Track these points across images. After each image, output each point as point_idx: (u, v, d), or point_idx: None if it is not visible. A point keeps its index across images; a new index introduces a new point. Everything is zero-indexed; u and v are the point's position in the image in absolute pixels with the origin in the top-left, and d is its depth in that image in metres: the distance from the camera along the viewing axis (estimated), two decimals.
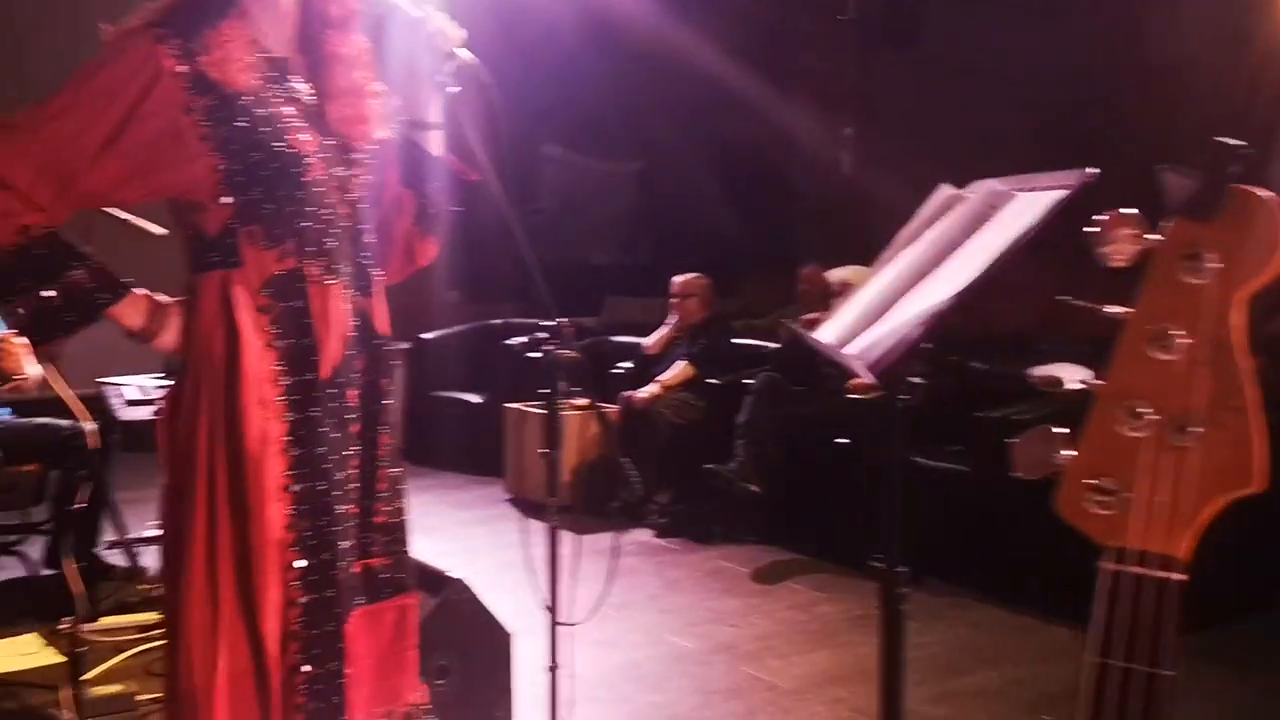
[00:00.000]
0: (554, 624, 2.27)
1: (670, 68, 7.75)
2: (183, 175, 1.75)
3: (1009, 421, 4.30)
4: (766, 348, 5.77)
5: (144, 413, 3.79)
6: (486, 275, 6.85)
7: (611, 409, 5.28)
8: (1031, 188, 1.76)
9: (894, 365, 1.70)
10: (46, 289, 1.70)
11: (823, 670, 3.56)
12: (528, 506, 5.60)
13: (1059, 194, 1.68)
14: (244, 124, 1.75)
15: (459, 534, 5.08)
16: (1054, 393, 1.08)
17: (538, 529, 5.15)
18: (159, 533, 4.35)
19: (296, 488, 1.78)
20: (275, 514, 1.76)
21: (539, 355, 6.46)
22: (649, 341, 5.84)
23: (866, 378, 1.73)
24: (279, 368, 1.79)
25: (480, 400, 6.44)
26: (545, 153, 9.09)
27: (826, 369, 5.23)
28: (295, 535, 1.78)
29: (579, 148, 8.89)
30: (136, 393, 4.00)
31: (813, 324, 5.21)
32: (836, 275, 5.26)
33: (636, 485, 3.25)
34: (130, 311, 1.79)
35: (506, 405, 5.87)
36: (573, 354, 2.16)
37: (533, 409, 5.71)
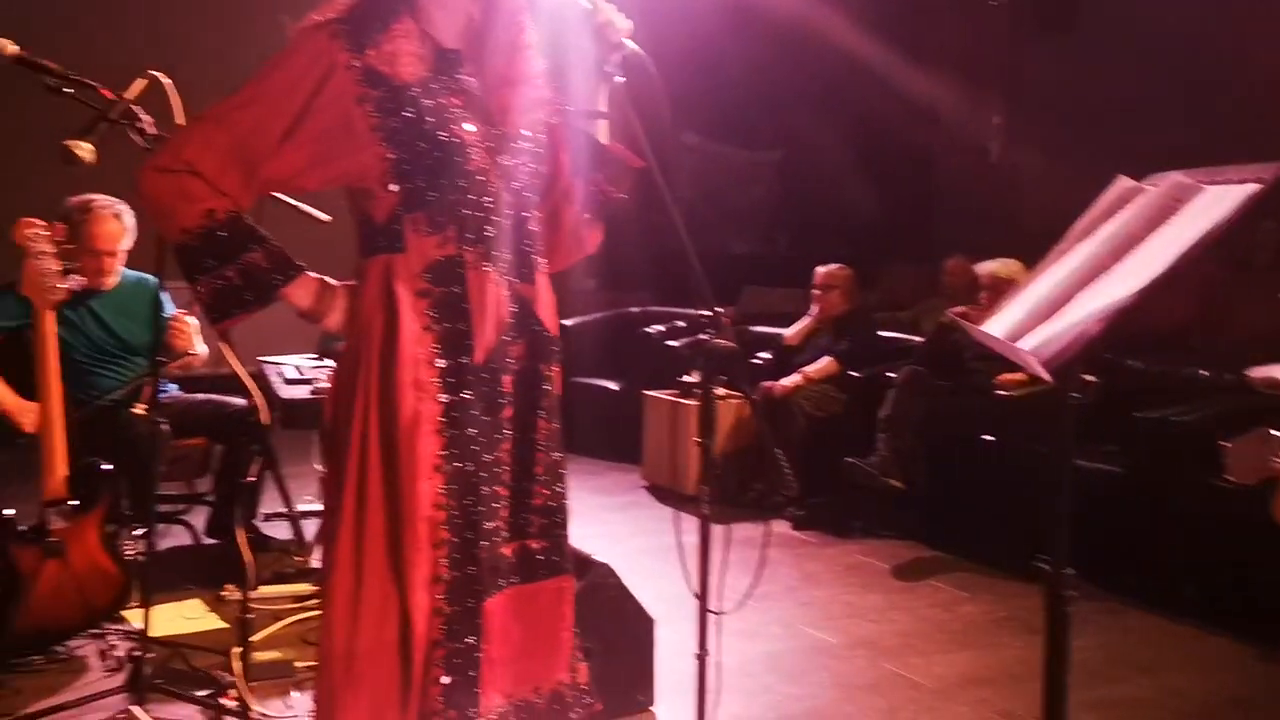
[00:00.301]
0: (704, 611, 2.27)
1: (813, 56, 7.67)
2: (354, 163, 1.82)
3: (1168, 422, 4.14)
4: (910, 340, 5.66)
5: (301, 391, 3.93)
6: (623, 263, 6.88)
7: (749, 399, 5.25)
8: (1220, 181, 1.68)
9: (1070, 362, 1.65)
10: (227, 269, 1.79)
11: (966, 671, 3.49)
12: (665, 494, 5.65)
13: (1251, 188, 1.61)
14: (411, 114, 1.80)
15: (598, 519, 5.14)
16: (1263, 393, 1.03)
17: (676, 518, 5.21)
18: (314, 507, 4.52)
19: (447, 467, 1.84)
20: (425, 491, 1.81)
21: (678, 344, 6.47)
22: (789, 332, 5.79)
23: (1041, 374, 1.68)
24: (435, 350, 1.84)
25: (617, 387, 6.49)
26: (684, 141, 9.10)
27: (973, 364, 5.11)
28: (444, 514, 1.83)
29: (719, 136, 8.86)
30: (294, 372, 4.15)
31: (962, 317, 5.12)
32: (986, 268, 5.13)
33: (790, 479, 3.23)
34: (302, 292, 1.87)
35: (645, 393, 5.90)
36: (730, 344, 2.15)
37: (671, 397, 5.73)
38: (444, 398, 1.84)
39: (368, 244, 1.87)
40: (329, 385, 1.94)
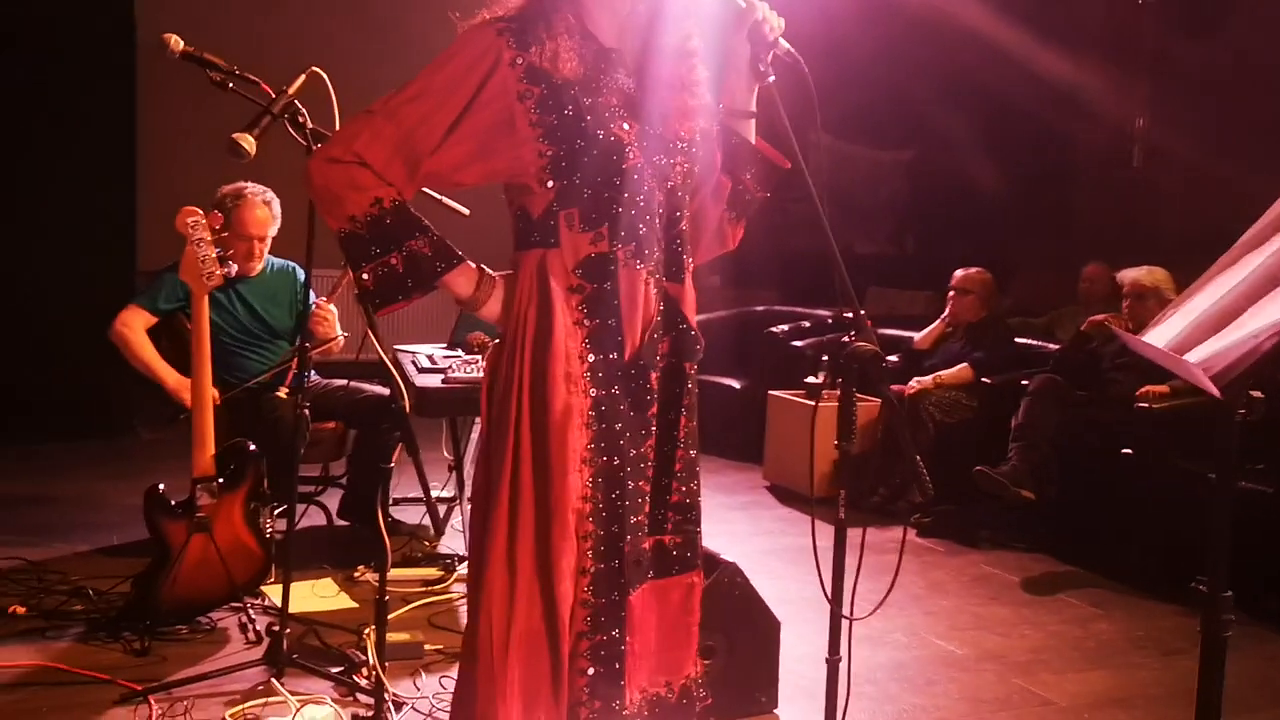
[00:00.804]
0: (837, 616, 2.25)
1: (946, 53, 7.51)
2: (513, 159, 1.85)
3: None
4: (1045, 348, 5.51)
5: (433, 380, 4.00)
6: (748, 261, 6.85)
7: (874, 402, 5.17)
8: None
9: (1240, 378, 1.58)
10: (391, 256, 1.84)
11: (1101, 690, 3.38)
12: (786, 494, 5.61)
13: None
14: (570, 112, 1.83)
15: (719, 517, 5.13)
16: None
17: (799, 518, 5.18)
18: (444, 494, 4.61)
19: (594, 461, 1.86)
20: (574, 484, 1.84)
21: (803, 344, 6.41)
22: (919, 336, 5.69)
23: (1209, 389, 1.62)
24: (585, 345, 1.87)
25: (740, 386, 6.47)
26: (811, 140, 9.01)
27: (1111, 374, 4.96)
28: (590, 506, 1.86)
29: (848, 135, 8.75)
30: (426, 361, 4.24)
31: (1100, 325, 4.96)
32: (1129, 276, 4.96)
33: (927, 484, 3.12)
34: (461, 280, 1.90)
35: (770, 393, 5.87)
36: (872, 347, 2.12)
37: (796, 397, 5.69)
38: (593, 392, 1.87)
39: (523, 238, 1.91)
40: (483, 375, 1.97)
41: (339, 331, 4.06)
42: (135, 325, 3.98)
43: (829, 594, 2.28)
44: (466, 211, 3.27)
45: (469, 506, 4.54)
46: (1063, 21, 7.61)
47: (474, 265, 1.92)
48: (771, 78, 1.99)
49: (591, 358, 1.87)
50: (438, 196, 3.32)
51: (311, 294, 3.81)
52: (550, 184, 1.85)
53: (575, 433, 1.84)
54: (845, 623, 2.31)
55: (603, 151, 1.85)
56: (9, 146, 5.91)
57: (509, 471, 1.84)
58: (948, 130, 7.78)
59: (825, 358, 5.79)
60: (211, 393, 3.92)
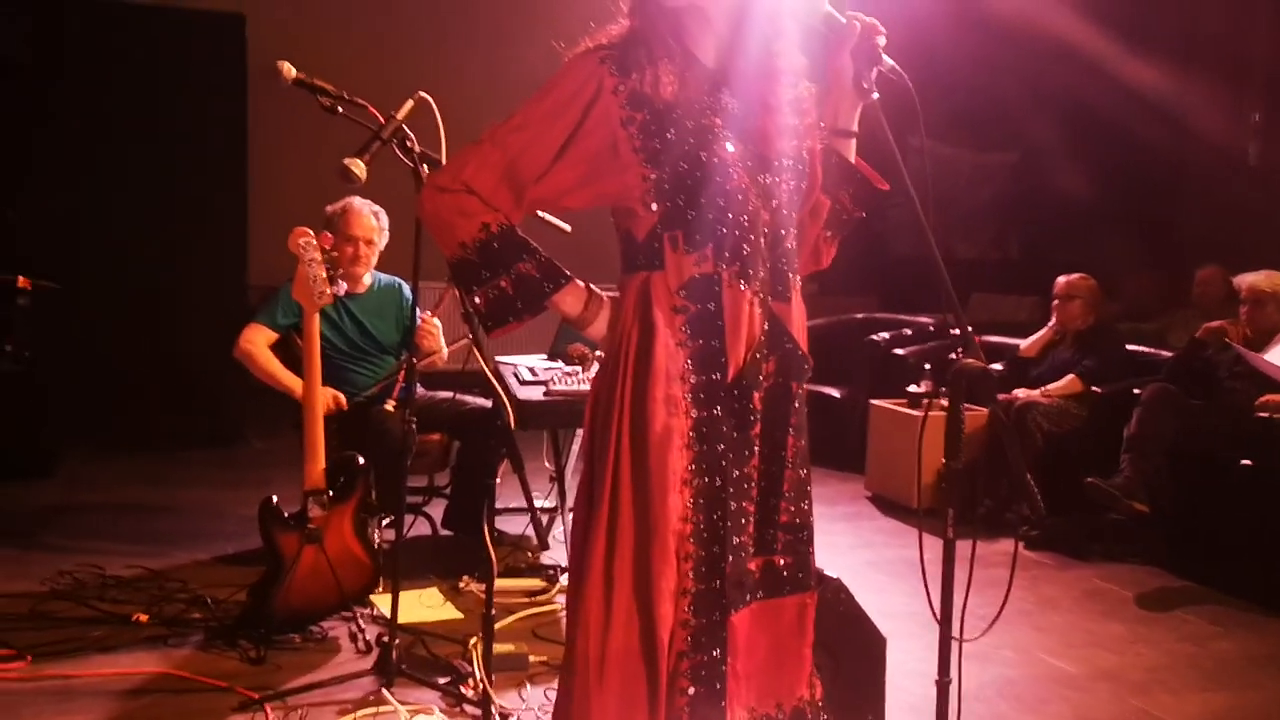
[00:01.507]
0: (946, 637, 2.21)
1: (1049, 51, 7.34)
2: (618, 183, 1.87)
3: None
4: (1157, 355, 5.35)
5: (535, 392, 4.05)
6: (847, 268, 6.79)
7: (981, 410, 5.08)
8: None
9: None
10: (500, 279, 1.87)
11: (1220, 712, 3.27)
12: (889, 505, 5.54)
13: None
14: (672, 136, 1.84)
15: (820, 528, 4.94)
16: None
17: (903, 530, 5.12)
18: (546, 504, 4.66)
19: (695, 482, 1.86)
20: (674, 505, 1.84)
21: (904, 352, 6.31)
22: (1025, 344, 5.58)
23: None
24: (687, 366, 1.87)
25: (840, 395, 6.41)
26: (910, 144, 8.90)
27: (1228, 382, 4.79)
28: (691, 527, 1.86)
29: (949, 138, 8.62)
30: (528, 373, 4.29)
31: (1216, 332, 4.81)
32: (1247, 280, 4.79)
33: (1039, 503, 3.09)
34: (569, 299, 1.93)
35: (872, 402, 5.80)
36: (980, 363, 2.08)
37: (898, 407, 5.62)
38: (694, 414, 1.87)
39: (629, 260, 1.93)
40: (589, 392, 2.00)
41: (443, 344, 4.14)
42: (258, 341, 4.11)
43: (937, 613, 2.25)
44: (568, 228, 3.31)
45: (570, 517, 4.60)
46: (1170, 14, 7.40)
47: (582, 285, 1.95)
48: (876, 95, 1.98)
49: (694, 379, 1.87)
50: (542, 215, 3.37)
51: (417, 309, 3.90)
52: (654, 207, 1.87)
53: (675, 454, 1.85)
54: (955, 643, 2.27)
55: (706, 173, 1.86)
56: (129, 168, 6.16)
57: (608, 491, 1.85)
58: (1051, 132, 7.61)
59: (928, 366, 5.70)
60: (338, 399, 4.06)
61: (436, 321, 4.11)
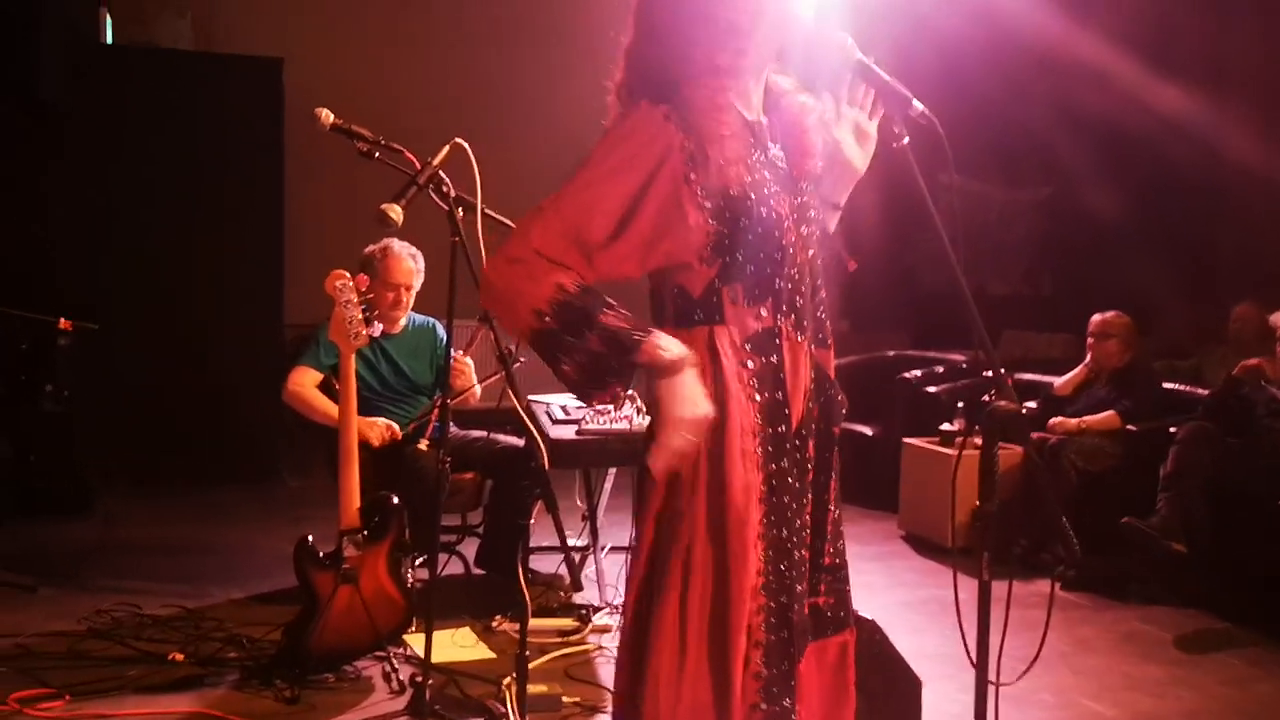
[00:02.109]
0: (983, 683, 2.20)
1: (1082, 84, 7.33)
2: (679, 241, 1.85)
3: None
4: (1193, 393, 5.30)
5: (567, 431, 4.06)
6: (878, 305, 6.79)
7: (1015, 449, 5.05)
8: None
9: None
10: (589, 338, 1.78)
11: None
12: (922, 544, 5.50)
13: None
14: (734, 192, 1.85)
15: (854, 568, 4.90)
16: None
17: (937, 570, 5.07)
18: (579, 543, 4.65)
19: (768, 534, 1.87)
20: (752, 559, 1.85)
21: (937, 389, 6.25)
22: (1060, 382, 5.54)
23: None
24: (757, 420, 1.87)
25: (872, 432, 6.39)
26: (940, 181, 8.90)
27: (1266, 420, 4.74)
28: (763, 580, 1.87)
29: (979, 174, 8.62)
30: (560, 412, 4.30)
31: (1253, 370, 4.76)
32: None
33: (1076, 547, 3.01)
34: (663, 339, 1.82)
35: (905, 440, 5.77)
36: (1014, 405, 2.08)
37: (931, 445, 5.59)
38: (767, 467, 1.88)
39: (684, 315, 1.90)
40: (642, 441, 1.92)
41: (475, 383, 4.17)
42: (306, 383, 4.16)
43: (973, 657, 2.24)
44: None
45: (603, 556, 4.61)
46: (1207, 44, 7.37)
47: (660, 334, 1.85)
48: (906, 139, 2.00)
49: (763, 432, 1.87)
50: None
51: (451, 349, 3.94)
52: (713, 261, 1.87)
53: (753, 509, 1.85)
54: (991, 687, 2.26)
55: (765, 228, 1.87)
56: (167, 209, 6.27)
57: (683, 548, 1.85)
58: (1083, 166, 7.59)
59: (960, 404, 5.68)
60: (392, 429, 4.08)
61: (468, 360, 4.14)
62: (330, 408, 4.11)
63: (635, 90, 1.90)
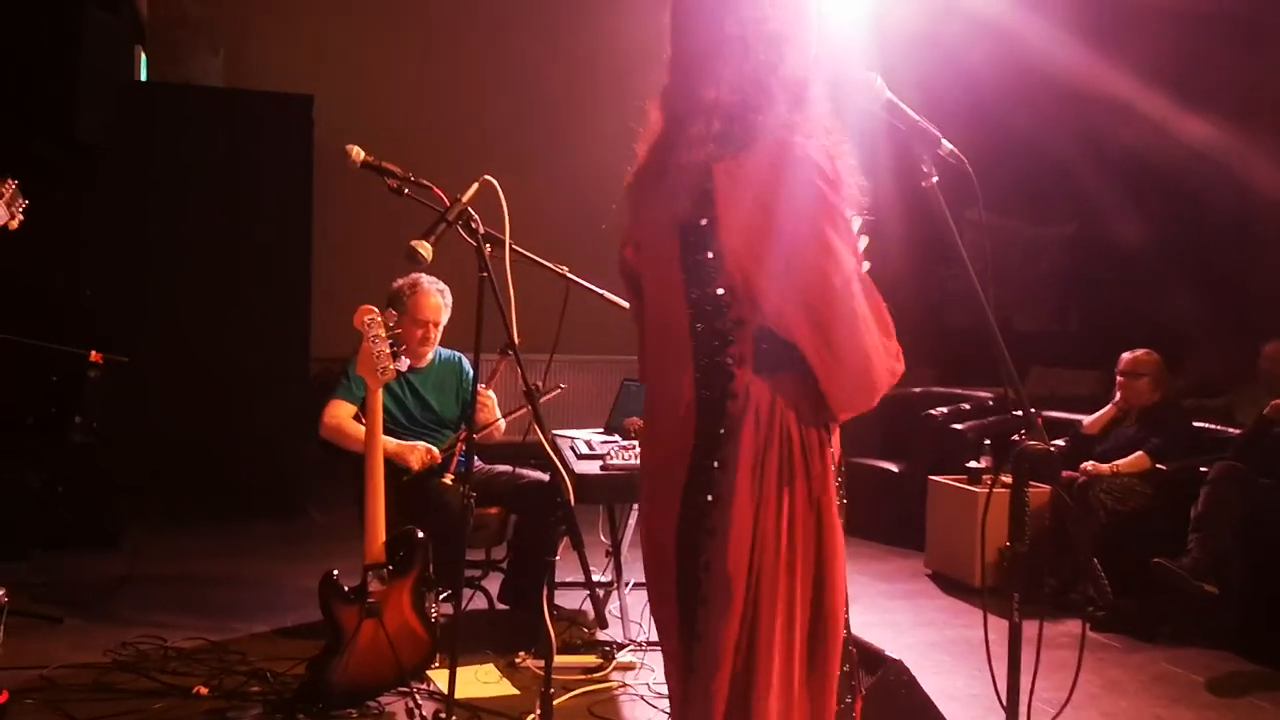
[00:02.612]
0: None
1: (1109, 120, 7.31)
2: None
3: None
4: (1224, 432, 5.24)
5: (591, 466, 4.05)
6: (903, 342, 6.76)
7: (1043, 488, 5.00)
8: None
9: None
10: None
11: None
12: (949, 583, 5.44)
13: None
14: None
15: (880, 606, 5.01)
16: None
17: (964, 609, 5.02)
18: (603, 579, 4.62)
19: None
20: (842, 589, 1.95)
21: (963, 427, 6.20)
22: (1089, 420, 5.50)
23: None
24: (831, 455, 1.99)
25: (898, 469, 6.35)
26: (968, 217, 8.89)
27: None
28: (845, 611, 1.98)
29: (1006, 210, 8.60)
30: (585, 447, 4.30)
31: None
32: None
33: (1106, 588, 3.01)
34: None
35: (931, 478, 5.73)
36: (1044, 445, 2.07)
37: (957, 483, 5.55)
38: (842, 496, 2.00)
39: (773, 359, 1.95)
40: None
41: (498, 416, 4.17)
42: (342, 415, 4.19)
43: (1003, 699, 2.21)
44: (626, 304, 3.34)
45: (627, 592, 4.58)
46: (1234, 79, 7.33)
47: None
48: (935, 178, 2.00)
49: (839, 468, 2.01)
50: (600, 292, 3.43)
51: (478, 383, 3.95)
52: None
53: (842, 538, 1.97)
54: None
55: None
56: (197, 242, 6.35)
57: (784, 588, 1.89)
58: (1110, 201, 7.56)
59: (987, 441, 5.64)
60: (430, 452, 4.09)
61: (491, 394, 4.15)
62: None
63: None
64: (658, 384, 2.04)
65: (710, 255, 1.89)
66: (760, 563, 1.89)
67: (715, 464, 1.90)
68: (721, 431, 1.90)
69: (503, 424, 4.26)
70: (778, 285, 1.84)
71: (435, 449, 4.17)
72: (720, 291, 1.90)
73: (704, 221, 1.89)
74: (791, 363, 1.91)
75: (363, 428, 4.12)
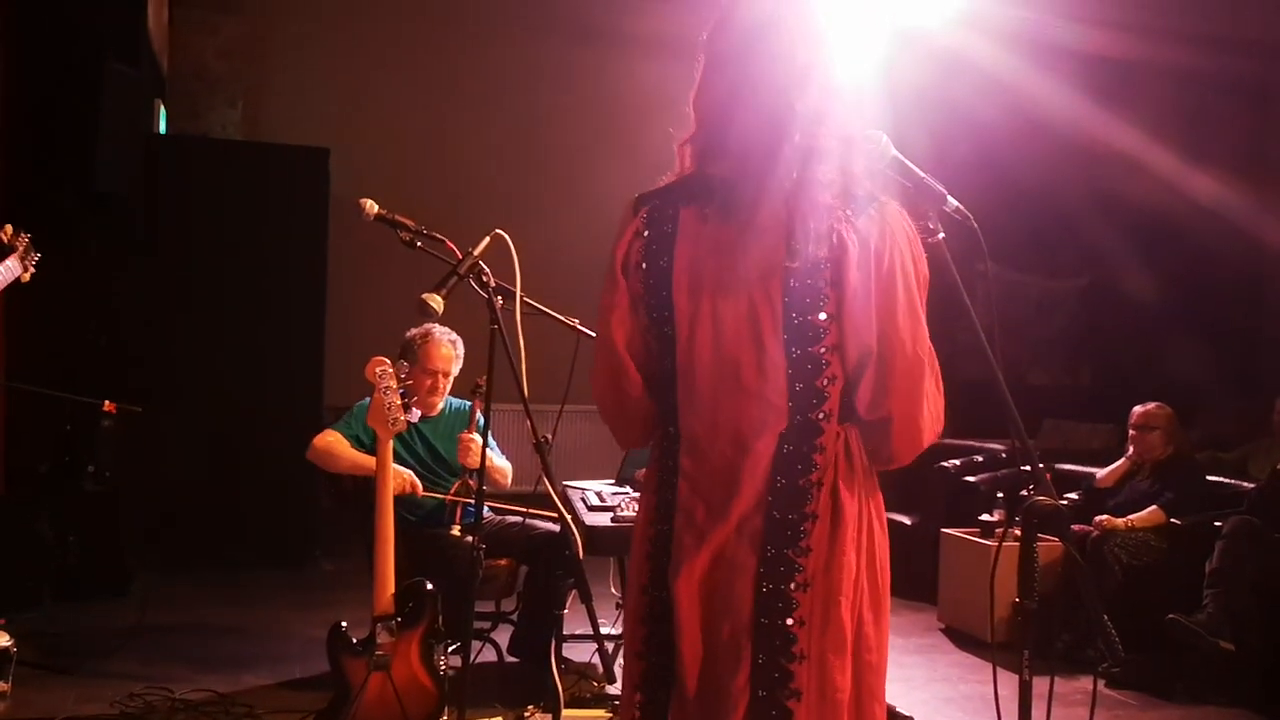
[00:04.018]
0: None
1: (1120, 176, 7.35)
2: None
3: None
4: (1238, 486, 5.21)
5: (603, 518, 4.04)
6: None
7: (1055, 541, 4.96)
8: None
9: None
10: None
11: None
12: (963, 638, 5.39)
13: None
14: None
15: (895, 661, 4.88)
16: None
17: (978, 664, 4.96)
18: (613, 632, 4.60)
19: None
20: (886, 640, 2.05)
21: (976, 479, 6.17)
22: (1102, 474, 5.47)
23: None
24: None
25: (910, 522, 6.31)
26: (977, 269, 8.89)
27: None
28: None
29: (1018, 264, 8.62)
30: (595, 498, 4.29)
31: None
32: None
33: (1118, 645, 2.94)
34: None
35: (944, 531, 5.70)
36: (1054, 500, 2.06)
37: (970, 536, 5.51)
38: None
39: (845, 412, 1.96)
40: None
41: (493, 458, 4.15)
42: (331, 439, 4.18)
43: None
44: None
45: None
46: (1244, 136, 7.37)
47: None
48: (941, 234, 2.01)
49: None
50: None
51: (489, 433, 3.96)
52: None
53: None
54: None
55: None
56: (210, 293, 6.39)
57: (850, 626, 1.94)
58: (1122, 256, 7.57)
59: (1000, 494, 5.61)
60: (413, 483, 4.09)
61: (475, 437, 4.13)
62: (357, 456, 4.13)
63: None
64: (703, 432, 1.93)
65: (824, 317, 1.85)
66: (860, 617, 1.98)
67: (805, 516, 1.90)
68: (806, 484, 1.91)
69: (507, 468, 4.28)
70: (879, 349, 1.88)
71: (419, 482, 4.16)
72: (823, 349, 1.87)
73: (821, 278, 1.85)
74: (855, 413, 1.96)
75: (350, 449, 4.14)
